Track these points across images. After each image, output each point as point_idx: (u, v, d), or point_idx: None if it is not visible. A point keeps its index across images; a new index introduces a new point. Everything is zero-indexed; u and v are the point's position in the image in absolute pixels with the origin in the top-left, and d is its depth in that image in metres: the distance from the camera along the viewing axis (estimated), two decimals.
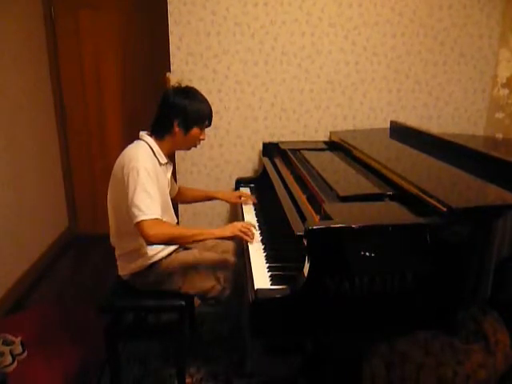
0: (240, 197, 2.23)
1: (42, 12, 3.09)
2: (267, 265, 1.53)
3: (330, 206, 1.42)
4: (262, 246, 1.67)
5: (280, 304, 1.27)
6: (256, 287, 1.35)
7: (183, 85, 1.77)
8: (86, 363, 2.01)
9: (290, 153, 2.28)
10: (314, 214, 1.56)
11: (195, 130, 1.75)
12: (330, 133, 2.62)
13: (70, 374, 1.93)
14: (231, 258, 1.88)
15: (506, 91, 2.62)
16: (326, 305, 1.27)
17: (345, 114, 2.69)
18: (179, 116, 1.70)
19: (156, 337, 2.17)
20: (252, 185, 2.53)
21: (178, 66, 2.54)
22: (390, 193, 1.53)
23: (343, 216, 1.35)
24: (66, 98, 3.32)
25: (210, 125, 1.82)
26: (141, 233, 1.56)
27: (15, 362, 1.93)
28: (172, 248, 1.85)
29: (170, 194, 1.90)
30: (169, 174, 1.84)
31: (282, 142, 2.53)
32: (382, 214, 1.42)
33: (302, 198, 1.74)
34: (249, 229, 1.70)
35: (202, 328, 2.32)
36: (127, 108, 3.36)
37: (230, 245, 2.00)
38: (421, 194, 1.41)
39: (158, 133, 1.75)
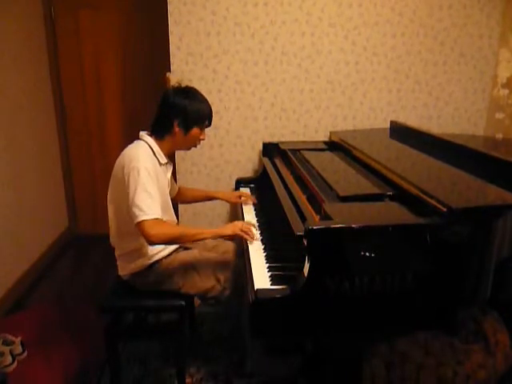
0: (240, 197, 2.23)
1: (42, 12, 3.09)
2: (267, 265, 1.53)
3: (330, 206, 1.43)
4: (262, 246, 1.67)
5: (280, 304, 1.27)
6: (256, 287, 1.35)
7: (183, 85, 1.77)
8: (86, 363, 2.01)
9: (289, 153, 2.28)
10: (314, 214, 1.56)
11: (195, 130, 1.75)
12: (330, 133, 2.62)
13: (70, 374, 1.93)
14: (231, 258, 1.88)
15: (506, 91, 2.62)
16: (326, 305, 1.28)
17: (345, 114, 2.68)
18: (179, 116, 1.70)
19: (156, 337, 2.18)
20: (252, 185, 2.53)
21: (178, 66, 2.53)
22: (390, 193, 1.53)
23: (343, 216, 1.36)
24: (66, 98, 3.32)
25: (210, 125, 1.82)
26: (142, 233, 1.56)
27: (15, 362, 1.93)
28: (172, 248, 1.85)
29: (170, 194, 1.90)
30: (169, 174, 1.84)
31: (282, 142, 2.53)
32: (382, 214, 1.42)
33: (301, 198, 1.74)
34: (249, 228, 1.70)
35: (202, 328, 2.33)
36: (127, 108, 3.36)
37: (230, 245, 1.99)
38: (421, 194, 1.41)
39: (158, 133, 1.75)
